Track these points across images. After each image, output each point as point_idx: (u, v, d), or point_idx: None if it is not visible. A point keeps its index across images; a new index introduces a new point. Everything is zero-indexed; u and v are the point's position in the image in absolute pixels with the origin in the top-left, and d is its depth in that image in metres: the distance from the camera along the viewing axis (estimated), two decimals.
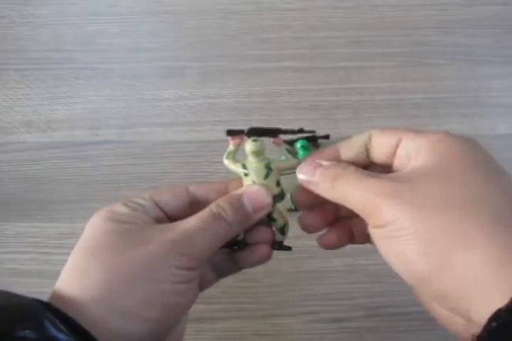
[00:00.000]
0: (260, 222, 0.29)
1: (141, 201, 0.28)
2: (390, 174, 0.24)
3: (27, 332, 0.21)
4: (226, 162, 0.29)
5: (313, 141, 0.48)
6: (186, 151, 0.49)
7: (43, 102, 0.53)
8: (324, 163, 0.27)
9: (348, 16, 0.56)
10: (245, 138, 0.29)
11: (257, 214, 0.27)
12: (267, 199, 0.27)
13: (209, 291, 0.43)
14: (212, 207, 0.26)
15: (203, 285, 0.29)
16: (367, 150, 0.27)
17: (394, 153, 0.26)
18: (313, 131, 0.31)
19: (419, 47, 0.54)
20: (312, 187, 0.27)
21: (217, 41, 0.55)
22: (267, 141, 0.29)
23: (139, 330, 0.24)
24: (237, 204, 0.27)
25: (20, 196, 0.48)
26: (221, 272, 0.30)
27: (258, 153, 0.28)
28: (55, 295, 0.25)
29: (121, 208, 0.27)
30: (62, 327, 0.21)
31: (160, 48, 0.55)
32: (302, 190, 0.28)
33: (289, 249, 0.31)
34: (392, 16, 0.56)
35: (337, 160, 0.27)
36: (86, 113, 0.52)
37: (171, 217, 0.28)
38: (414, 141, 0.25)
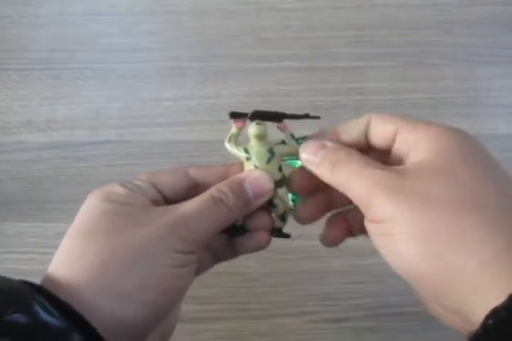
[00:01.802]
0: (260, 208, 0.28)
1: (138, 182, 0.27)
2: (392, 167, 0.24)
3: (16, 315, 0.21)
4: (228, 145, 0.29)
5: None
6: (186, 151, 0.49)
7: (43, 102, 0.53)
8: (329, 144, 0.26)
9: (348, 16, 0.56)
10: (248, 121, 0.28)
11: (258, 200, 0.27)
12: (268, 185, 0.27)
13: (209, 291, 0.43)
14: (212, 191, 0.26)
15: (198, 270, 0.28)
16: (366, 135, 0.27)
17: (393, 140, 0.25)
18: (318, 117, 0.30)
19: (419, 47, 0.54)
20: (313, 168, 0.26)
21: (217, 41, 0.55)
22: (271, 125, 0.28)
23: (135, 314, 0.23)
24: (239, 189, 0.26)
25: (20, 196, 0.48)
26: (218, 257, 0.30)
27: (261, 137, 0.28)
28: (48, 279, 0.24)
29: (118, 189, 0.26)
30: (52, 310, 0.21)
31: (160, 48, 0.55)
32: (300, 172, 0.28)
33: (287, 236, 0.30)
34: (392, 16, 0.56)
35: (338, 141, 0.27)
36: (86, 113, 0.52)
37: (168, 199, 0.28)
38: (412, 134, 0.24)
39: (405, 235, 0.21)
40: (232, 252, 0.29)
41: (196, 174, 0.28)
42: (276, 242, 0.44)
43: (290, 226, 0.44)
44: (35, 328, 0.21)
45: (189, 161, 0.48)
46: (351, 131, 0.27)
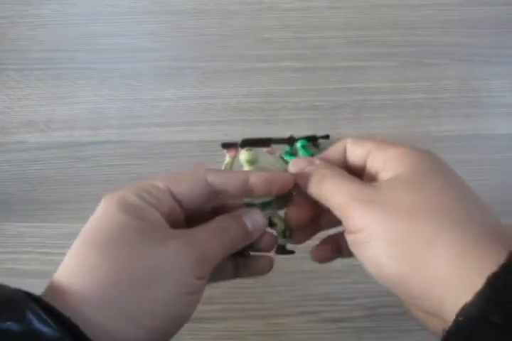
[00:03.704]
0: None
1: (156, 192, 0.26)
2: (368, 183, 0.26)
3: (9, 323, 0.20)
4: None
5: (312, 141, 0.48)
6: (186, 151, 0.49)
7: (43, 102, 0.53)
8: (317, 161, 0.29)
9: (348, 16, 0.56)
10: (240, 149, 0.30)
11: (255, 233, 0.29)
12: (263, 221, 0.29)
13: (209, 291, 0.43)
14: (219, 221, 0.28)
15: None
16: (344, 157, 0.30)
17: (365, 161, 0.28)
18: (308, 138, 0.33)
19: (419, 47, 0.54)
20: (301, 181, 0.28)
21: (217, 41, 0.55)
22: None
23: (138, 338, 0.23)
24: (240, 221, 0.28)
25: (21, 196, 0.48)
26: (215, 279, 0.30)
27: (252, 162, 0.30)
28: (54, 287, 0.23)
29: (135, 200, 0.26)
30: (46, 319, 0.21)
31: (160, 48, 0.55)
32: (295, 207, 0.30)
33: (292, 252, 0.32)
34: (392, 16, 0.56)
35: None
36: (86, 113, 0.52)
37: (186, 208, 0.27)
38: (382, 155, 0.27)
39: (379, 241, 0.23)
40: (233, 275, 0.31)
41: (216, 180, 0.27)
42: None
43: None
44: (28, 336, 0.20)
45: (189, 161, 0.48)
46: (333, 153, 0.30)
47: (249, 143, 0.30)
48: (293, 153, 0.44)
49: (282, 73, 0.53)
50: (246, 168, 0.30)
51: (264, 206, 0.30)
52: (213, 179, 0.27)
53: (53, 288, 0.23)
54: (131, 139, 0.50)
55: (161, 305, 0.23)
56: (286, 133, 0.49)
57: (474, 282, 0.20)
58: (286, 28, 0.55)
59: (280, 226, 0.31)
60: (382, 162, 0.27)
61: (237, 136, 0.50)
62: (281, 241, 0.31)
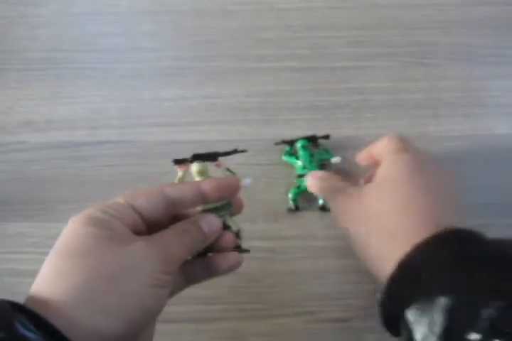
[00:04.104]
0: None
1: (118, 207, 0.29)
2: (353, 189, 0.37)
3: None
4: None
5: (313, 141, 0.48)
6: (186, 151, 0.49)
7: (43, 102, 0.53)
8: (321, 174, 0.42)
9: (348, 16, 0.56)
10: (189, 164, 0.34)
11: (212, 235, 0.32)
12: (218, 223, 0.32)
13: (209, 291, 0.43)
14: (181, 225, 0.31)
15: (172, 292, 0.31)
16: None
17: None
18: (245, 151, 0.36)
19: (419, 47, 0.54)
20: (313, 188, 0.42)
21: (217, 41, 0.55)
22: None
23: (116, 330, 0.25)
24: (197, 226, 0.31)
25: (20, 196, 0.48)
26: (191, 280, 0.34)
27: (202, 173, 0.34)
28: (33, 297, 0.25)
29: (99, 214, 0.28)
30: (30, 325, 0.22)
31: (160, 48, 0.55)
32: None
33: (247, 251, 0.35)
34: (392, 16, 0.56)
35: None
36: (86, 113, 0.52)
37: (147, 219, 0.30)
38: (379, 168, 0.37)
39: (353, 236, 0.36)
40: (206, 274, 0.33)
41: (171, 192, 0.31)
42: (277, 242, 0.44)
43: (290, 227, 0.44)
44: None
45: None
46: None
47: (199, 157, 0.34)
48: (292, 153, 0.47)
49: (282, 73, 0.53)
50: (197, 179, 0.34)
51: (216, 210, 0.34)
52: (169, 191, 0.31)
53: (33, 298, 0.25)
54: (131, 139, 0.50)
55: (131, 297, 0.26)
56: (286, 134, 0.49)
57: (400, 253, 0.30)
58: (286, 28, 0.55)
59: (234, 228, 0.35)
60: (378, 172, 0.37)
61: (237, 136, 0.50)
62: (235, 241, 0.35)
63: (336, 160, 0.45)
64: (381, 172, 0.36)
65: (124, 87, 0.53)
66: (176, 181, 0.34)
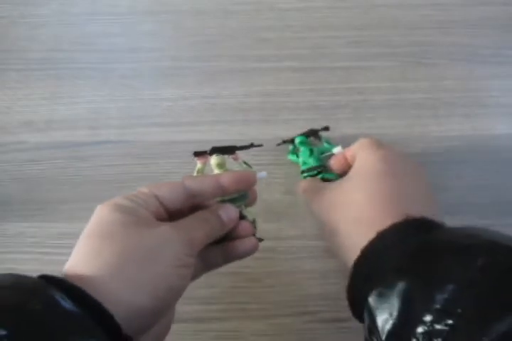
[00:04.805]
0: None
1: (142, 196, 0.31)
2: (329, 184, 0.40)
3: (38, 307, 0.23)
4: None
5: (313, 135, 0.48)
6: (186, 151, 0.49)
7: (43, 102, 0.53)
8: (303, 184, 0.43)
9: (348, 16, 0.56)
10: (209, 157, 0.36)
11: (230, 223, 0.34)
12: (235, 213, 0.34)
13: (209, 291, 0.43)
14: (200, 213, 0.33)
15: (193, 276, 0.33)
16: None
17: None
18: (261, 145, 0.39)
19: (419, 47, 0.54)
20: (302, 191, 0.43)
21: (217, 41, 0.55)
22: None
23: (146, 304, 0.27)
24: (216, 214, 0.33)
25: (20, 196, 0.48)
26: (210, 266, 0.35)
27: (221, 165, 0.36)
28: (67, 275, 0.27)
29: (125, 202, 0.30)
30: (67, 298, 0.24)
31: (160, 48, 0.55)
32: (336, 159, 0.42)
33: (261, 240, 0.36)
34: (392, 16, 0.56)
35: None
36: (86, 113, 0.52)
37: (168, 209, 0.32)
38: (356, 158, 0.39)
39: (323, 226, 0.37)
40: (224, 260, 0.35)
41: (192, 184, 0.33)
42: (277, 242, 0.44)
43: (291, 226, 0.44)
44: (56, 315, 0.23)
45: (189, 161, 0.48)
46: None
47: (217, 150, 0.36)
48: (295, 152, 0.48)
49: (282, 73, 0.53)
50: (216, 171, 0.36)
51: (233, 201, 0.35)
52: (189, 183, 0.33)
53: (67, 276, 0.27)
54: (131, 139, 0.50)
55: (158, 276, 0.28)
56: (286, 134, 0.49)
57: (362, 241, 0.31)
58: (286, 28, 0.55)
59: (250, 217, 0.36)
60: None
61: (237, 136, 0.50)
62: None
63: (337, 150, 0.44)
64: (355, 166, 0.38)
65: (124, 87, 0.53)
66: (195, 172, 0.36)
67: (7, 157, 0.50)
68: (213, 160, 0.36)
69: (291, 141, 0.48)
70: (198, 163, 0.37)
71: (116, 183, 0.48)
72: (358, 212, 0.34)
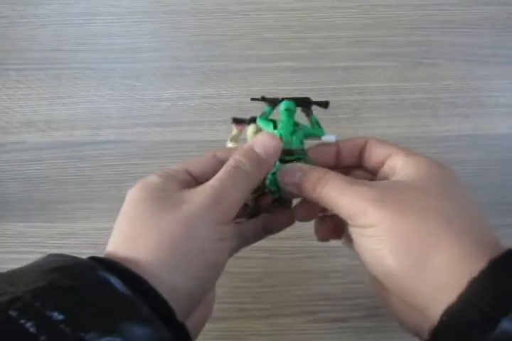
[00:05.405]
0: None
1: (172, 171, 0.30)
2: (374, 182, 0.29)
3: (92, 288, 0.22)
4: (230, 145, 0.35)
5: (304, 106, 0.36)
6: (186, 151, 0.49)
7: (43, 102, 0.53)
8: (304, 166, 0.30)
9: (348, 16, 0.56)
10: (246, 125, 0.34)
11: (270, 158, 0.30)
12: (275, 141, 0.30)
13: None
14: (230, 162, 0.29)
15: (230, 250, 0.31)
16: (359, 155, 0.32)
17: (383, 163, 0.30)
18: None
19: (419, 47, 0.54)
20: (292, 188, 0.30)
21: (217, 41, 0.55)
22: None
23: (186, 286, 0.26)
24: (251, 153, 0.29)
25: (20, 196, 0.48)
26: (246, 241, 0.33)
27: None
28: (108, 260, 0.26)
29: (154, 178, 0.29)
30: (124, 285, 0.23)
31: (160, 48, 0.55)
32: (302, 205, 0.33)
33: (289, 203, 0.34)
34: (392, 16, 0.56)
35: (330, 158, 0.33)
36: (86, 113, 0.52)
37: (200, 181, 0.30)
38: (402, 160, 0.29)
39: (388, 236, 0.25)
40: (261, 234, 0.33)
41: (222, 156, 0.31)
42: (277, 242, 0.44)
43: (292, 226, 0.44)
44: (111, 299, 0.22)
45: None
46: (350, 147, 0.33)
47: (255, 120, 0.34)
48: (270, 119, 0.34)
49: (282, 73, 0.53)
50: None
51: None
52: (221, 154, 0.31)
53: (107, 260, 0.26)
54: (131, 139, 0.50)
55: (194, 252, 0.26)
56: None
57: (461, 284, 0.23)
58: (286, 28, 0.55)
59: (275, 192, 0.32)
60: (402, 166, 0.29)
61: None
62: (272, 195, 0.33)
63: (329, 138, 0.33)
64: (415, 174, 0.28)
65: (124, 87, 0.53)
66: (229, 138, 0.35)
67: (7, 157, 0.50)
68: (251, 128, 0.34)
69: (273, 101, 0.34)
70: (235, 130, 0.35)
71: (117, 183, 0.48)
72: (459, 251, 0.25)
